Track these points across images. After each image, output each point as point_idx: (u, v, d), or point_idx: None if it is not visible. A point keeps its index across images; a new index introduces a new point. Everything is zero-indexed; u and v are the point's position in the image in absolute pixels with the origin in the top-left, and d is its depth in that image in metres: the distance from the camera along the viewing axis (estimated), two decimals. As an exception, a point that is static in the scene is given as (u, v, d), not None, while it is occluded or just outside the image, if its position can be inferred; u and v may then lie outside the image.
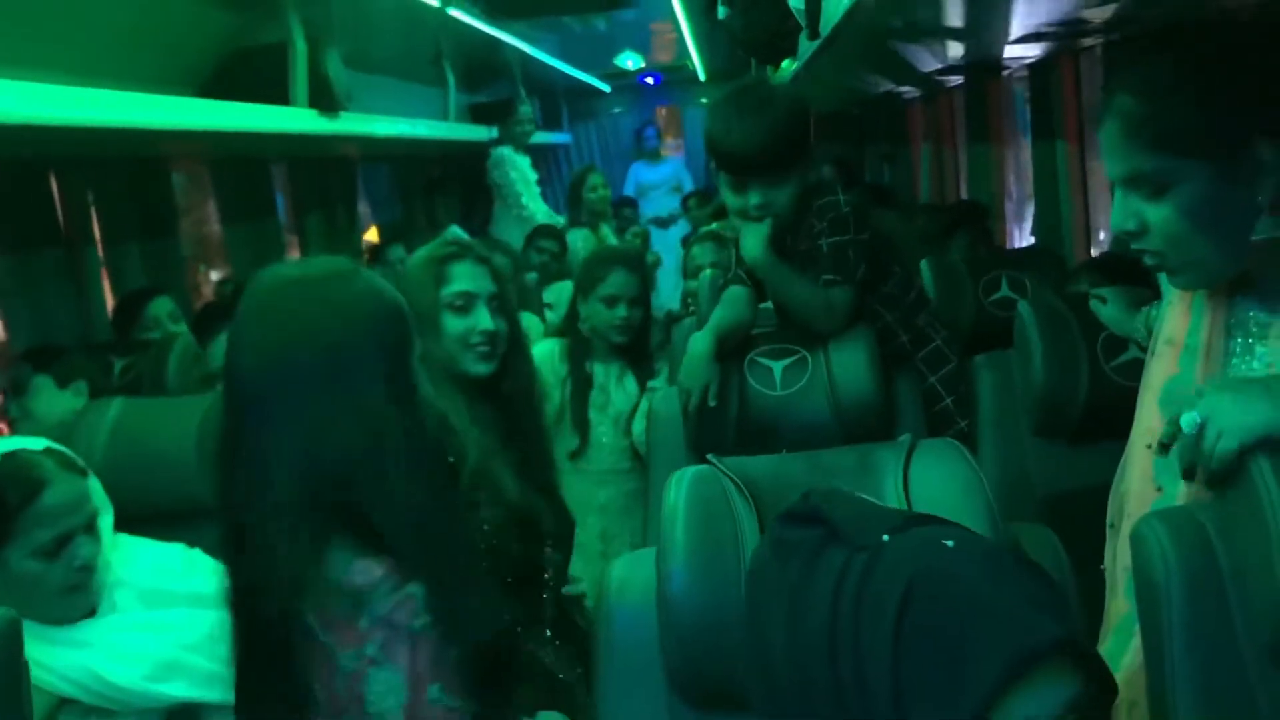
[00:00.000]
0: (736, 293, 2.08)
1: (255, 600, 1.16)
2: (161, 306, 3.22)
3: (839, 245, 1.97)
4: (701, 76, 8.74)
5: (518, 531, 1.72)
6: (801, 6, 2.11)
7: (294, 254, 5.22)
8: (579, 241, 4.91)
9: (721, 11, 3.03)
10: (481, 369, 1.81)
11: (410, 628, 1.15)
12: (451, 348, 1.80)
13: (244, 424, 1.18)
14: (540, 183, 8.15)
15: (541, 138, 7.95)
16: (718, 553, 1.13)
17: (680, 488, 1.19)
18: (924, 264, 2.75)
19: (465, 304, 1.80)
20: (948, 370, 2.12)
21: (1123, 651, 1.27)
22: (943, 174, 4.67)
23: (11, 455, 1.51)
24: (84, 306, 3.30)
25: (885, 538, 0.98)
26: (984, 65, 3.11)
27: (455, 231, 4.90)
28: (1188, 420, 1.13)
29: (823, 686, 0.94)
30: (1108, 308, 1.85)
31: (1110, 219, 1.28)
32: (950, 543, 0.96)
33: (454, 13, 3.80)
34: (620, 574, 1.24)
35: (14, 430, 2.52)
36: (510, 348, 1.85)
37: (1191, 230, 1.18)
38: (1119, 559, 1.32)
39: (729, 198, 2.00)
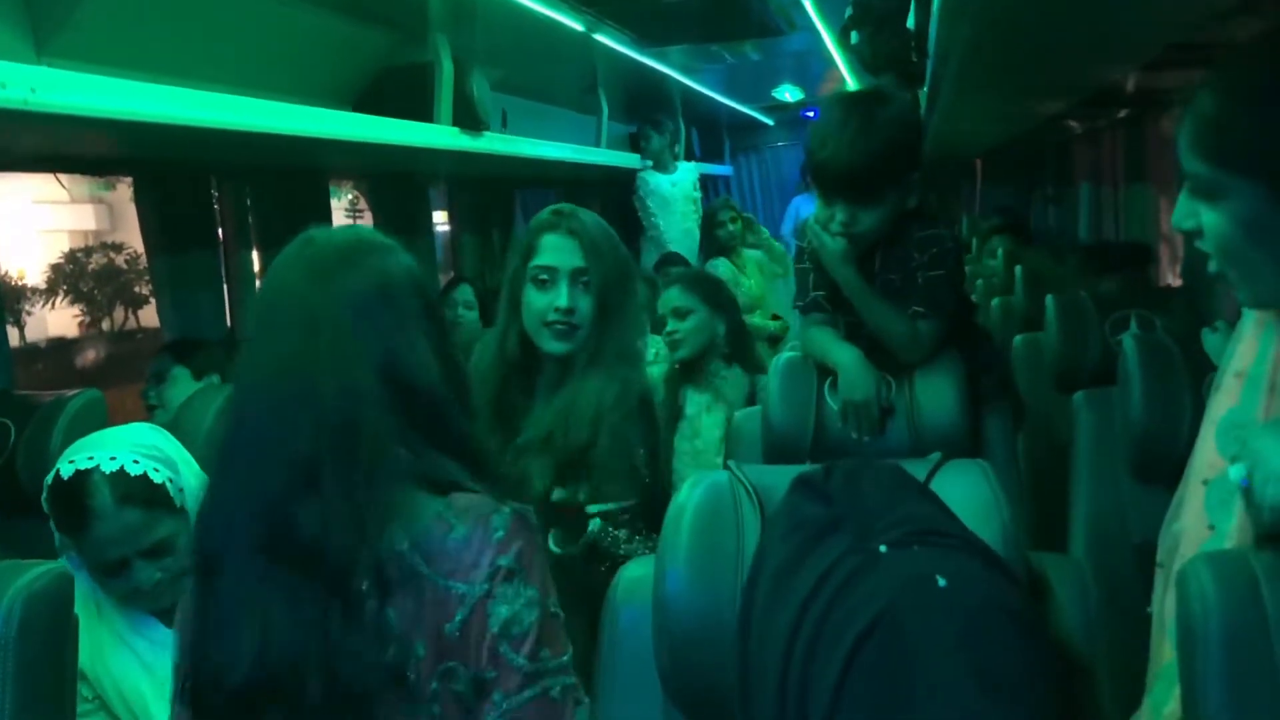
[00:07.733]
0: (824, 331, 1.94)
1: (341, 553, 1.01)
2: (464, 292, 3.96)
3: (935, 280, 1.87)
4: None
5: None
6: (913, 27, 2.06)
7: (446, 275, 5.42)
8: (722, 270, 4.91)
9: (854, 37, 3.00)
10: (556, 347, 1.74)
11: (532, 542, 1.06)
12: (531, 325, 1.74)
13: (332, 352, 1.06)
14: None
15: (704, 169, 7.99)
16: (716, 561, 1.10)
17: (691, 491, 1.17)
18: (1049, 300, 2.63)
19: (549, 278, 1.73)
20: None
21: (1167, 700, 1.18)
22: (1100, 214, 4.46)
23: (76, 479, 1.49)
24: (235, 305, 3.51)
25: (882, 549, 0.93)
26: (1118, 95, 2.95)
27: None
28: (1235, 473, 1.06)
29: (770, 693, 0.90)
30: (1215, 336, 1.72)
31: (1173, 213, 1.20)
32: (943, 582, 0.88)
33: (599, 38, 3.88)
34: (631, 573, 1.23)
35: (151, 415, 2.71)
36: (593, 329, 1.73)
37: (1243, 242, 1.10)
38: (1168, 601, 1.22)
39: (817, 207, 1.88)
